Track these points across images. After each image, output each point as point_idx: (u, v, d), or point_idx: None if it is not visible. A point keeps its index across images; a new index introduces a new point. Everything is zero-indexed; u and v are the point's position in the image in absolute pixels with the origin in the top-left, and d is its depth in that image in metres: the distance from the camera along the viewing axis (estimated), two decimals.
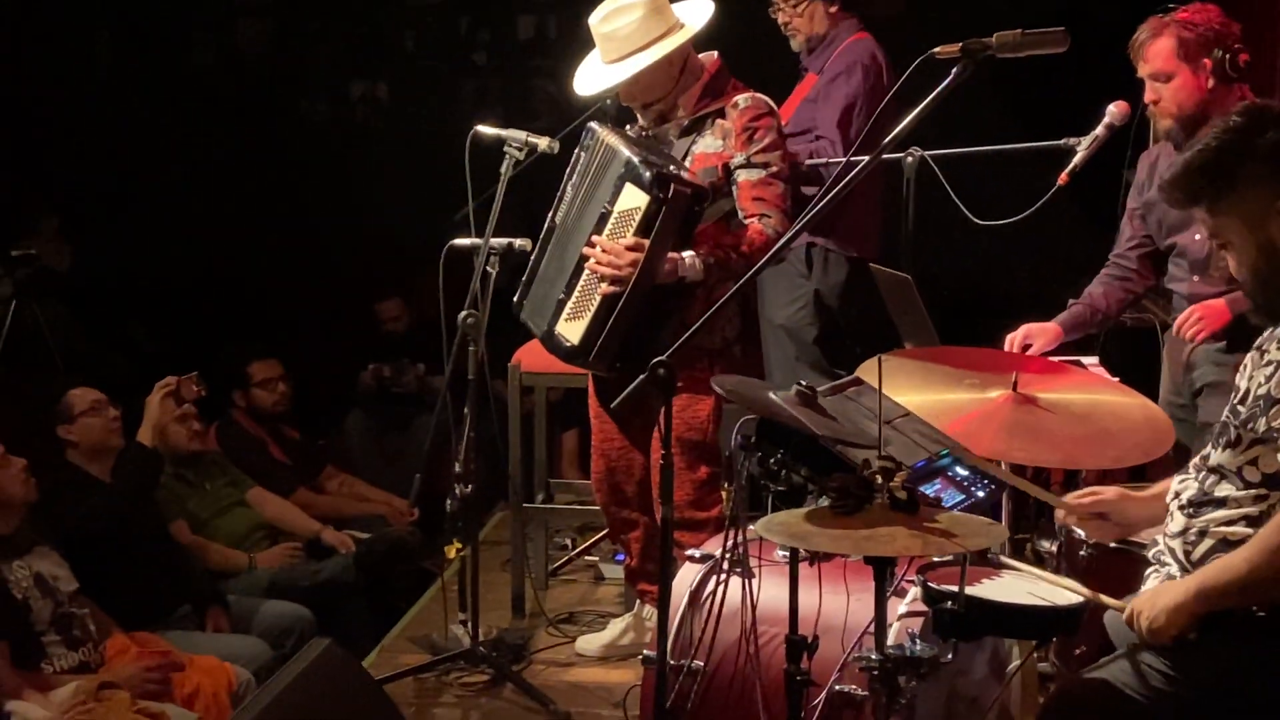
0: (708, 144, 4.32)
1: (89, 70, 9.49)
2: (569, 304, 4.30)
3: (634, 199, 4.11)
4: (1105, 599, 2.99)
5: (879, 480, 2.76)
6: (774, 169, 4.28)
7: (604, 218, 4.19)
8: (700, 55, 4.40)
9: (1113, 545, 3.48)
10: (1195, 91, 4.05)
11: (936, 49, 2.82)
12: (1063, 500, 3.27)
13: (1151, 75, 4.10)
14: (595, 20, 4.32)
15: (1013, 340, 4.43)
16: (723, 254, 4.17)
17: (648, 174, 4.06)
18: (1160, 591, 2.84)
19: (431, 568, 5.66)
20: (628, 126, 4.52)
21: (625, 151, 4.15)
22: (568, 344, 4.30)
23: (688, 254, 4.17)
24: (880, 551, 2.71)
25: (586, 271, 4.23)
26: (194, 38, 9.49)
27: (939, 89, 2.78)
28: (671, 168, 4.14)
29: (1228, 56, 4.03)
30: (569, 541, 6.05)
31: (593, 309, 4.21)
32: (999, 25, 2.85)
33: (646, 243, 4.08)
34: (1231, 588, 2.73)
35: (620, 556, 5.25)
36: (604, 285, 4.16)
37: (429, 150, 7.62)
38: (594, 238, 4.19)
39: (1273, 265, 2.79)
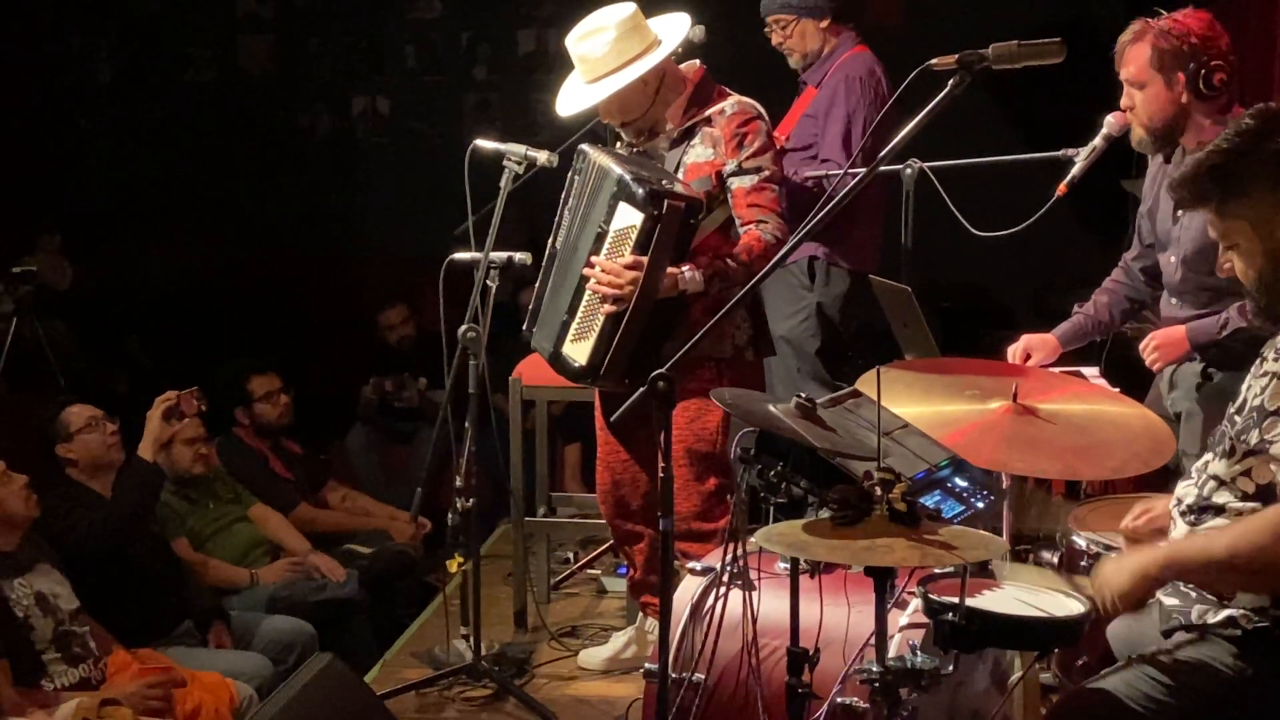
0: (698, 153, 4.33)
1: (90, 87, 9.52)
2: (573, 325, 4.30)
3: (629, 217, 4.12)
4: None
5: (878, 492, 2.76)
6: (766, 173, 4.29)
7: (601, 237, 4.20)
8: (683, 65, 4.41)
9: (1114, 556, 3.47)
10: (1167, 104, 3.90)
11: (933, 61, 2.82)
12: (1124, 528, 3.19)
13: (1128, 80, 3.97)
14: (570, 41, 4.34)
15: (1013, 353, 4.41)
16: (722, 264, 4.18)
17: (640, 191, 4.06)
18: (1126, 557, 2.81)
19: (433, 582, 5.66)
20: (618, 144, 4.53)
21: (616, 170, 4.15)
22: (576, 364, 4.31)
23: (686, 267, 4.17)
24: (879, 562, 2.71)
25: (588, 292, 4.23)
26: (195, 54, 9.52)
27: (935, 101, 2.77)
28: (664, 182, 4.14)
29: (1202, 73, 3.85)
30: (571, 555, 6.05)
31: (597, 328, 4.22)
32: (998, 36, 2.85)
33: (645, 260, 4.08)
34: (1206, 565, 2.70)
35: (623, 569, 5.25)
36: (606, 305, 4.17)
37: (430, 165, 7.64)
38: (592, 258, 4.20)
39: (1278, 271, 2.77)
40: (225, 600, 5.27)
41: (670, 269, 4.14)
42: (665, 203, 4.06)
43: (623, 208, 4.13)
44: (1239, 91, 4.00)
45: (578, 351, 4.29)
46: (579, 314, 4.29)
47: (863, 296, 5.43)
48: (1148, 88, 3.93)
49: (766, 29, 5.61)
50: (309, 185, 9.22)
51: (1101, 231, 6.00)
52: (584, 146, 4.39)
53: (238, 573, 5.55)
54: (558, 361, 4.38)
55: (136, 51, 9.46)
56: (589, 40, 4.29)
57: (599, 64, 4.28)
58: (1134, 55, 3.94)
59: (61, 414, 4.94)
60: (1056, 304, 4.61)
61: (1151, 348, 4.05)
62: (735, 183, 4.29)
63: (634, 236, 4.10)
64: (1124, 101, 4.02)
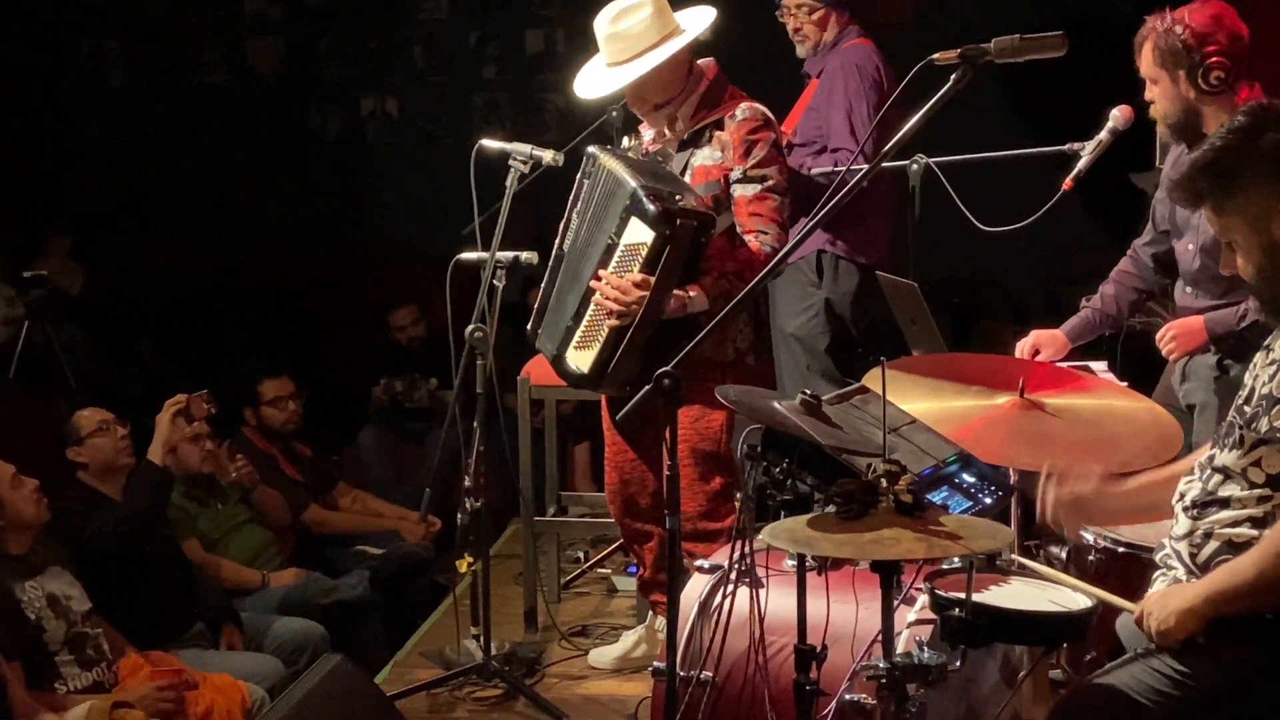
0: (707, 156, 4.31)
1: (100, 90, 9.54)
2: (578, 333, 4.30)
3: (640, 234, 4.08)
4: (1116, 600, 2.97)
5: (883, 484, 2.75)
6: (770, 183, 4.27)
7: (610, 249, 4.17)
8: (699, 62, 4.39)
9: (1121, 550, 3.47)
10: (1176, 100, 3.93)
11: (935, 55, 2.83)
12: (1043, 499, 3.09)
13: (1143, 76, 4.01)
14: (603, 21, 4.29)
15: (1022, 348, 4.41)
16: (727, 285, 4.16)
17: (653, 209, 4.00)
18: (1170, 594, 2.83)
19: (444, 582, 5.67)
20: (629, 137, 4.51)
21: (630, 182, 4.09)
22: (577, 372, 4.32)
23: (694, 291, 4.16)
24: (884, 555, 2.70)
25: (594, 303, 4.22)
26: (205, 56, 9.54)
27: (938, 95, 2.78)
28: (677, 197, 4.09)
29: (1199, 70, 3.86)
30: (581, 554, 6.05)
31: (601, 339, 4.20)
32: (1006, 30, 2.85)
33: (653, 280, 4.05)
34: (1240, 592, 2.72)
35: (633, 569, 5.25)
36: (611, 319, 4.15)
37: (439, 165, 7.65)
38: (600, 270, 4.18)
39: (1276, 264, 2.77)
40: (236, 602, 5.27)
41: (677, 292, 4.13)
42: (678, 222, 4.02)
43: (634, 223, 4.09)
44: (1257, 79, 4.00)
45: (580, 360, 4.29)
46: (584, 323, 4.28)
47: (872, 292, 5.43)
48: (1158, 85, 3.97)
49: (780, 13, 5.60)
50: (319, 186, 9.23)
51: (1111, 225, 5.97)
52: (593, 149, 4.35)
53: (249, 574, 5.56)
54: (560, 365, 4.39)
55: (147, 54, 9.48)
56: (624, 18, 4.24)
57: (638, 40, 4.23)
58: (1144, 54, 3.98)
59: (72, 417, 4.94)
60: (1064, 298, 4.60)
61: (1169, 337, 4.05)
62: (738, 190, 4.28)
63: (644, 254, 4.06)
64: (1147, 96, 4.05)
